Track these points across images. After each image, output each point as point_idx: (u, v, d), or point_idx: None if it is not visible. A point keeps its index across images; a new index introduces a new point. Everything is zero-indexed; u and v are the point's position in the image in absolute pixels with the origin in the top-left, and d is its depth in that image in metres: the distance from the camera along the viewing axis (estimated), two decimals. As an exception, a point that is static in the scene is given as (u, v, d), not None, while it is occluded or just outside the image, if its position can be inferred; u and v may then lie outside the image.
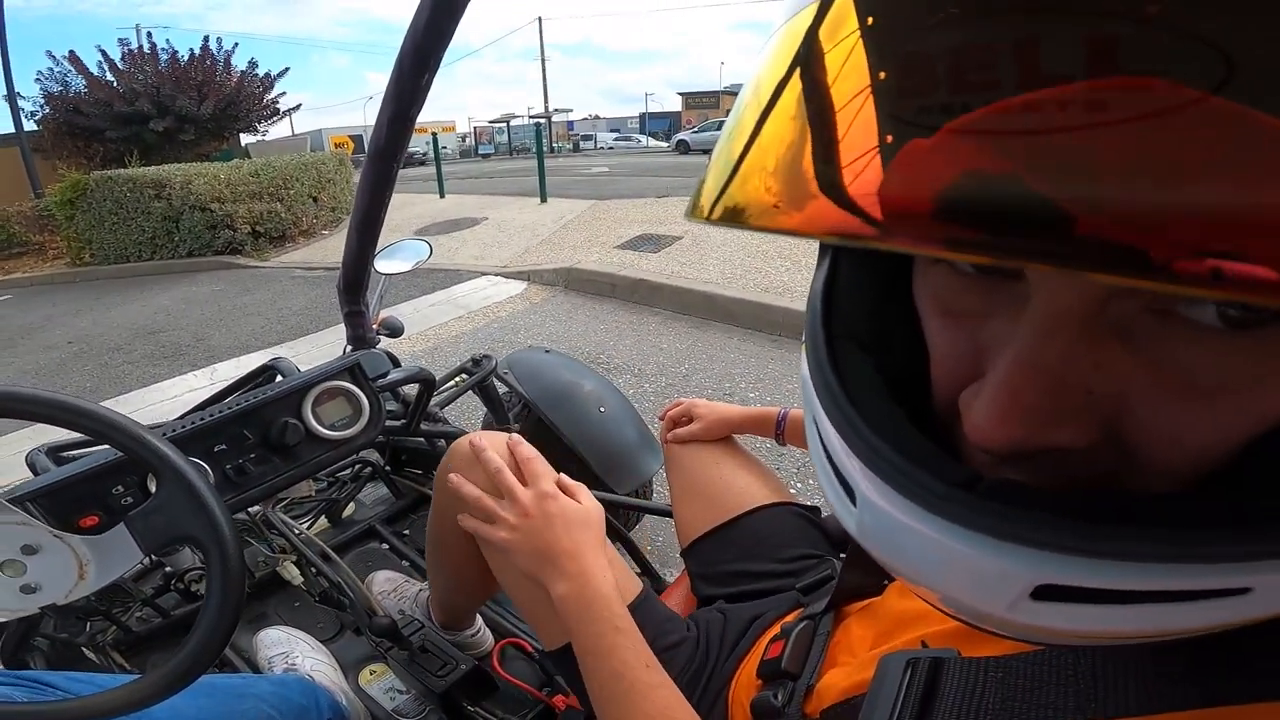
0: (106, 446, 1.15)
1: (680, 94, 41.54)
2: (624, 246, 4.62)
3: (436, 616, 1.00)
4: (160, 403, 3.08)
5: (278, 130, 16.36)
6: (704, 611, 0.74)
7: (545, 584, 0.61)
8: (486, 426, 1.60)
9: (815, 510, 0.84)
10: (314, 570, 1.14)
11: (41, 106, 11.20)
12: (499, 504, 0.66)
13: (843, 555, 0.77)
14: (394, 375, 1.04)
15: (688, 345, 3.08)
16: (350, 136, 28.93)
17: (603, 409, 1.47)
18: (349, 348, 1.17)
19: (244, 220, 6.47)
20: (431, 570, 0.97)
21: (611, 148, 29.60)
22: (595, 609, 0.58)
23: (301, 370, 1.17)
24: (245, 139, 13.84)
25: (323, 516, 1.43)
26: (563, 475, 0.69)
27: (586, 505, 0.66)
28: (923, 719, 0.34)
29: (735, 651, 0.66)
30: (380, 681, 1.02)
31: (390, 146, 0.78)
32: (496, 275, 4.53)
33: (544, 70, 33.48)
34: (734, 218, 0.19)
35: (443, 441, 1.37)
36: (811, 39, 0.18)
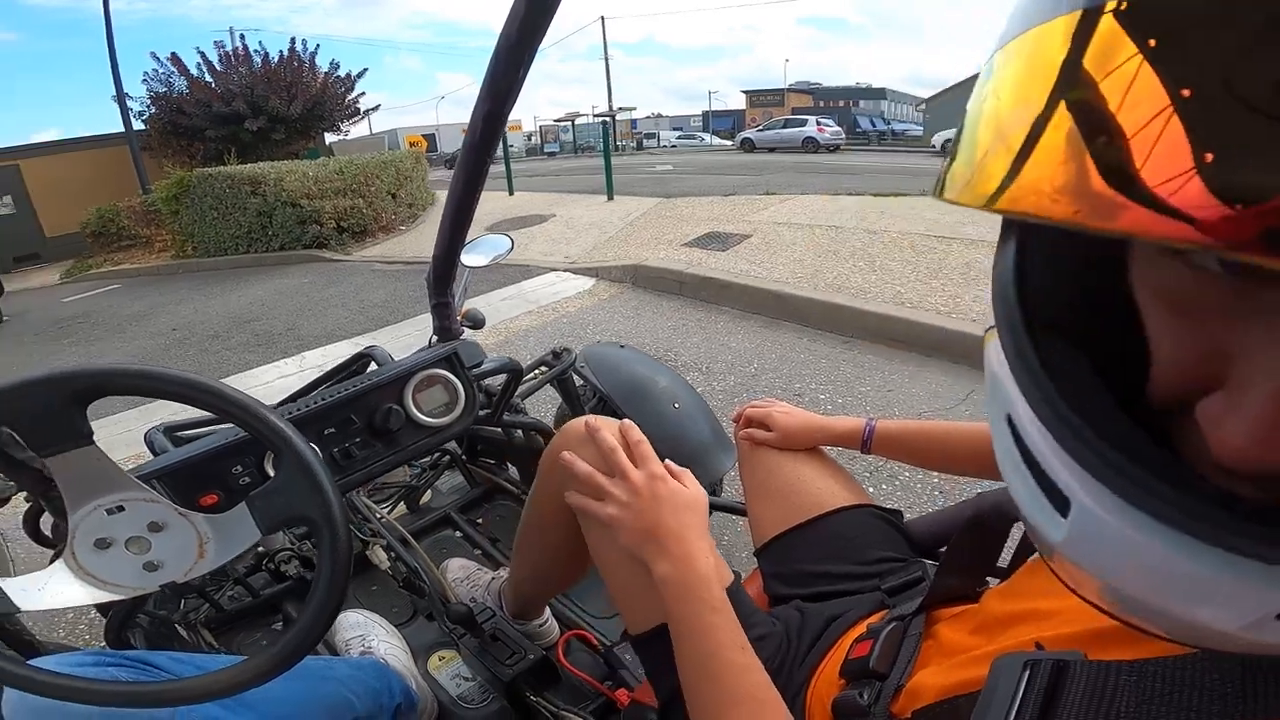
0: (219, 428, 1.22)
1: (744, 91, 41.12)
2: (691, 244, 4.62)
3: (508, 605, 1.02)
4: (255, 388, 3.29)
5: (357, 130, 17.08)
6: (781, 609, 0.74)
7: (648, 562, 0.63)
8: (560, 418, 1.64)
9: (897, 514, 0.83)
10: (393, 555, 1.19)
11: (148, 107, 12.00)
12: (610, 482, 0.67)
13: (928, 560, 0.76)
14: (486, 365, 1.07)
15: (756, 344, 3.05)
16: (423, 136, 30.03)
17: (677, 405, 1.48)
18: (434, 338, 1.20)
19: (330, 215, 6.83)
20: (519, 553, 0.98)
21: (674, 146, 29.57)
22: (696, 589, 0.60)
23: (394, 359, 1.23)
24: (329, 138, 14.50)
25: (401, 503, 1.48)
26: (669, 461, 0.70)
27: (693, 491, 0.67)
28: None
29: (814, 650, 0.66)
30: (448, 668, 1.04)
31: (484, 142, 0.79)
32: (565, 271, 4.61)
33: (607, 69, 33.76)
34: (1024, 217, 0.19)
35: (520, 433, 1.41)
36: (1079, 50, 0.18)
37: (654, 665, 0.67)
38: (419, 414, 0.94)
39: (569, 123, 32.84)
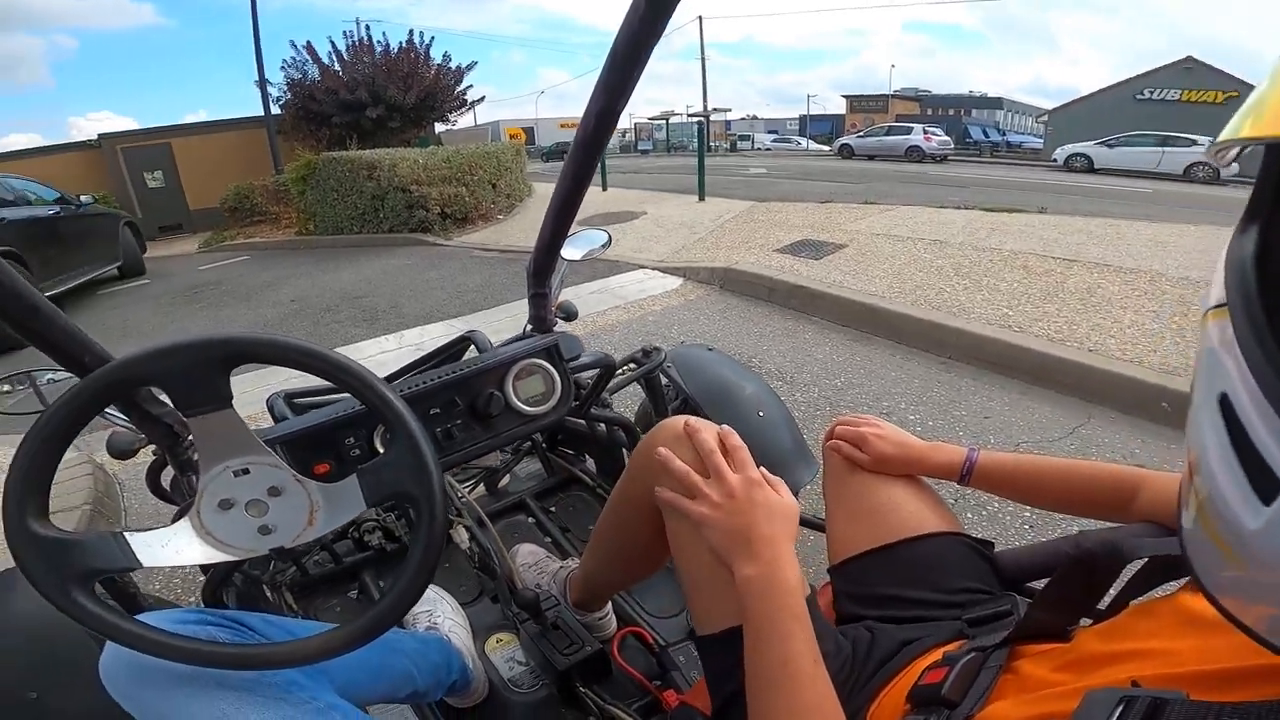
0: (334, 398, 1.29)
1: (845, 96, 39.84)
2: (783, 251, 4.54)
3: (572, 594, 1.03)
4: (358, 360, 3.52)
5: (463, 120, 17.76)
6: (851, 628, 0.73)
7: (733, 563, 0.63)
8: (642, 415, 1.65)
9: (988, 545, 0.80)
10: (469, 535, 1.22)
11: (285, 92, 12.83)
12: (705, 482, 0.68)
13: (1018, 594, 0.74)
14: (584, 359, 1.09)
15: (845, 357, 2.97)
16: (522, 129, 31.04)
17: (761, 414, 1.45)
18: (529, 327, 1.23)
19: (435, 202, 7.20)
20: (595, 543, 0.99)
21: (769, 149, 29.11)
22: (780, 595, 0.60)
23: (493, 344, 1.27)
24: (438, 127, 15.10)
25: (481, 484, 1.52)
26: (764, 469, 0.70)
27: (787, 500, 0.67)
28: None
29: (881, 672, 0.65)
30: (504, 650, 1.06)
31: (596, 138, 0.78)
32: (653, 269, 4.65)
33: (704, 69, 33.52)
34: None
35: (602, 426, 1.43)
36: None
37: (717, 668, 0.67)
38: (517, 401, 0.97)
39: (663, 121, 32.99)
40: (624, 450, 1.41)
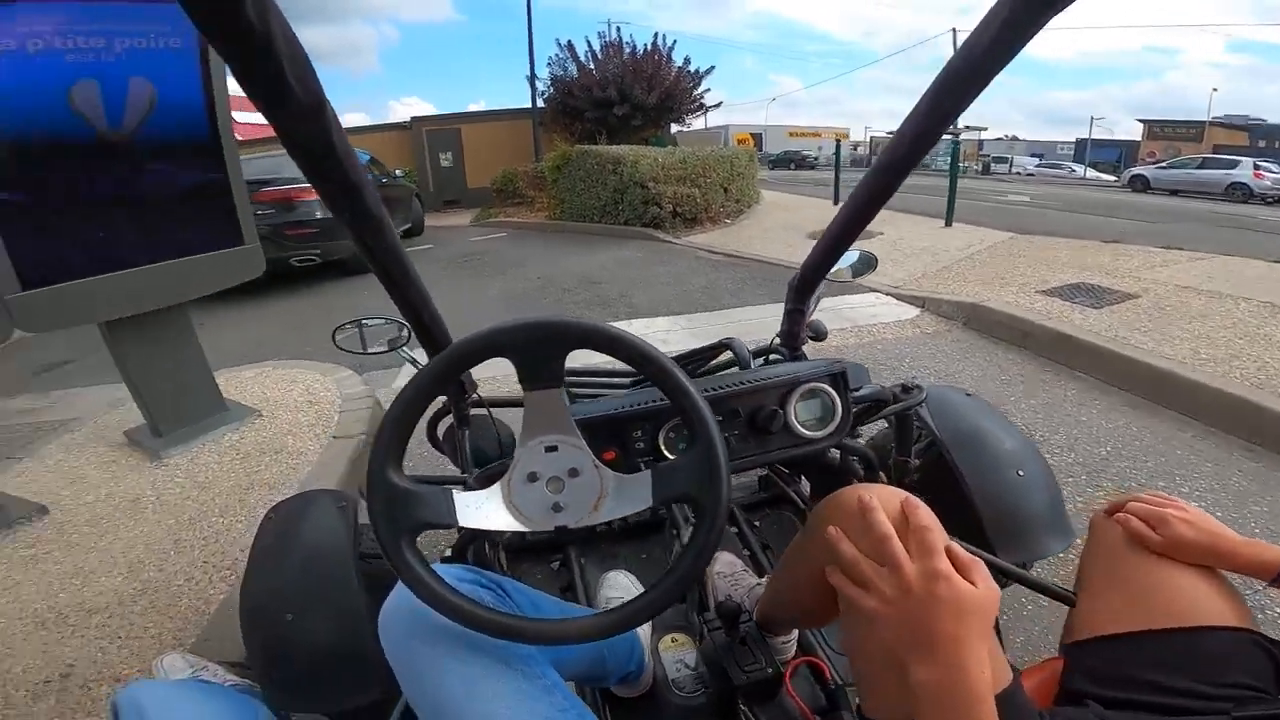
0: (612, 381, 1.38)
1: (1141, 121, 33.41)
2: (1050, 293, 3.97)
3: (758, 614, 1.00)
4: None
5: (697, 124, 18.23)
6: (1076, 712, 0.67)
7: (908, 663, 0.57)
8: (880, 445, 1.56)
9: (1277, 645, 0.69)
10: (675, 532, 1.22)
11: (549, 87, 14.24)
12: (877, 572, 0.61)
13: None
14: (865, 391, 1.05)
15: (1116, 425, 2.51)
16: (751, 134, 31.09)
17: (1020, 473, 1.29)
18: (776, 340, 1.22)
19: (669, 200, 7.55)
20: (775, 581, 0.95)
21: (1031, 174, 25.65)
22: (962, 708, 0.53)
23: (749, 351, 1.27)
24: (673, 128, 15.70)
25: None
26: (957, 545, 0.62)
27: (982, 590, 0.58)
28: None
29: None
30: (677, 651, 1.04)
31: (906, 162, 0.73)
32: (887, 295, 4.38)
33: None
34: None
35: (836, 452, 1.37)
36: None
37: None
38: (795, 422, 0.95)
39: (907, 136, 30.62)
40: (854, 479, 1.36)
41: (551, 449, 0.60)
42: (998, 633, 1.15)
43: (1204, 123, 31.14)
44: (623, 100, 13.18)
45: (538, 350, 0.57)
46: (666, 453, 0.88)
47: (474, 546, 1.00)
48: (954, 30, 31.68)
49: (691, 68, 14.19)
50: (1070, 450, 2.33)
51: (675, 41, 14.08)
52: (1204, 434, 2.42)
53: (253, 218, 2.52)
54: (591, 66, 13.83)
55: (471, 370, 0.72)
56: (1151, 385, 2.76)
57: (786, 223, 7.99)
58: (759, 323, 3.95)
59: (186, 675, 1.20)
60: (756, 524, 1.46)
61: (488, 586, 0.66)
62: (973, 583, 0.60)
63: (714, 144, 11.75)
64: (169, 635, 1.53)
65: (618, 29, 14.32)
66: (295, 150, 0.52)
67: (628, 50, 13.84)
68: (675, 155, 8.14)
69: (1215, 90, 47.81)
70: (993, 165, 28.53)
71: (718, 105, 16.01)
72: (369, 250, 0.67)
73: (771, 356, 1.28)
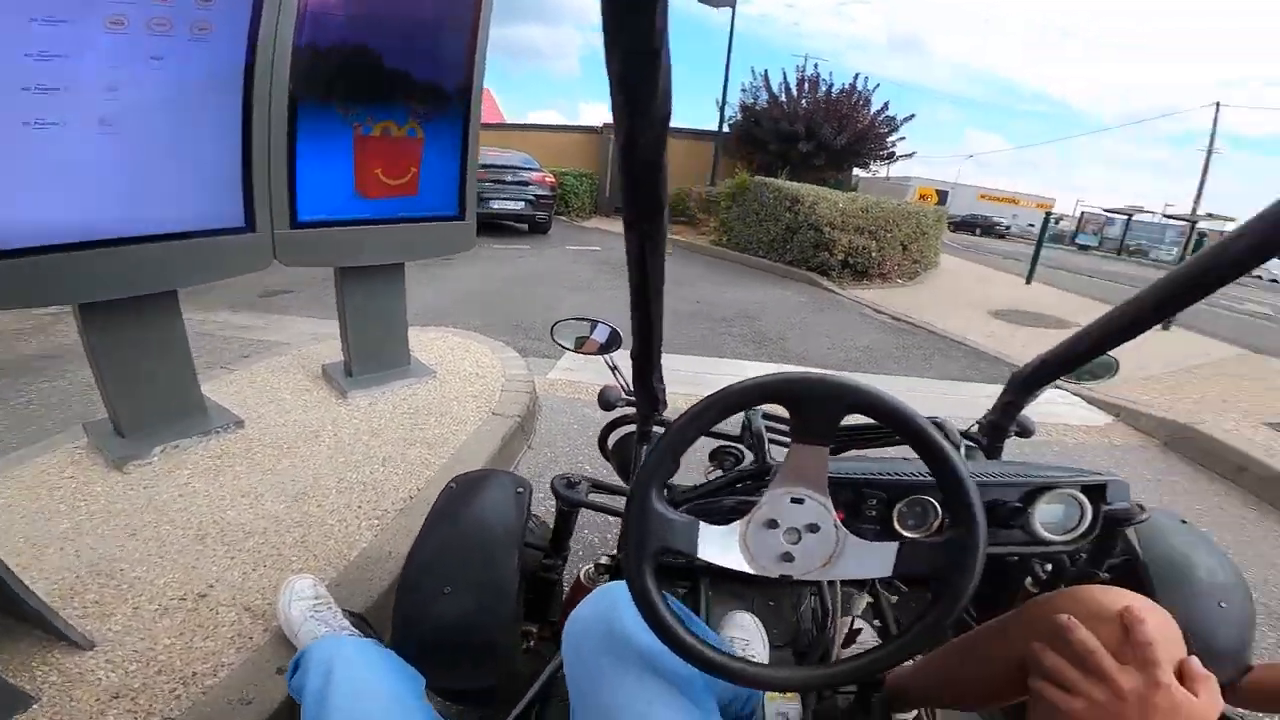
0: (888, 461, 1.36)
1: None
2: (1278, 426, 3.36)
3: (888, 688, 0.95)
4: (729, 375, 3.83)
5: (880, 170, 17.51)
6: None
7: None
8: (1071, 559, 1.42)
9: None
10: (813, 589, 1.18)
11: (737, 113, 14.34)
12: (1086, 680, 0.60)
13: None
14: (1117, 505, 0.97)
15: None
16: (935, 190, 29.22)
17: (1223, 605, 1.17)
18: (975, 426, 1.17)
19: (841, 249, 7.33)
20: (934, 659, 0.89)
21: (1277, 280, 21.63)
22: None
23: (959, 434, 1.18)
24: (856, 172, 15.29)
25: None
26: (1192, 660, 0.60)
27: (1204, 703, 0.57)
28: None
29: None
30: (781, 704, 1.00)
31: (1228, 269, 0.65)
32: (1075, 394, 3.94)
33: (1207, 163, 26.31)
34: None
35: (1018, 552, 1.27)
36: None
37: None
38: (1035, 522, 0.90)
39: (1124, 216, 27.25)
40: (1021, 585, 1.26)
41: (798, 501, 0.61)
42: None
43: None
44: (809, 137, 13.04)
45: (816, 407, 0.58)
46: (898, 527, 0.86)
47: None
48: (1217, 104, 27.69)
49: (888, 114, 13.77)
50: (1263, 589, 2.07)
51: (879, 85, 13.79)
52: None
53: (475, 198, 2.73)
54: (783, 99, 13.81)
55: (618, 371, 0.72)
56: None
57: (967, 294, 7.46)
58: (922, 398, 3.73)
59: (310, 602, 1.32)
60: (894, 599, 1.41)
61: (680, 614, 0.68)
62: (1197, 695, 0.59)
63: (897, 195, 11.26)
64: (310, 572, 1.57)
65: (815, 65, 14.25)
66: (631, 157, 0.51)
67: (823, 88, 13.69)
68: (858, 203, 7.88)
69: None
70: (1227, 263, 24.38)
71: (911, 155, 15.31)
72: (641, 263, 0.66)
73: (966, 444, 1.22)
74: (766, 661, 1.09)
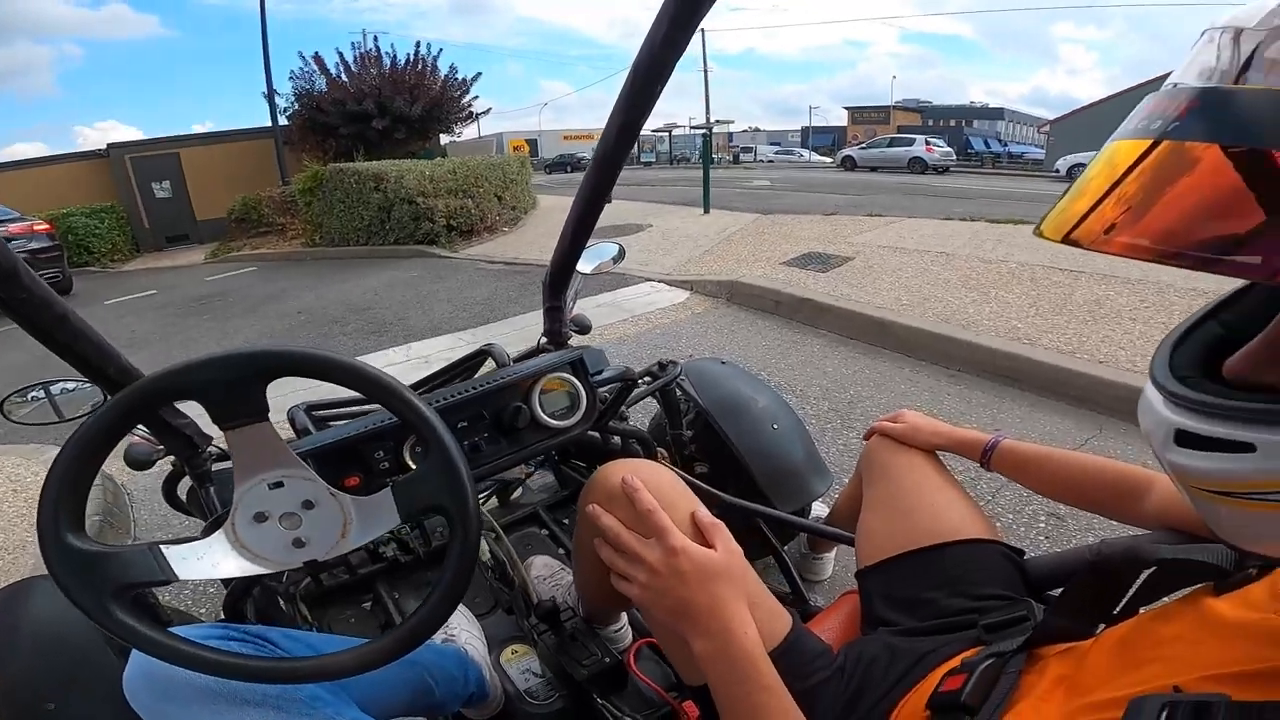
0: (357, 410, 1.28)
1: (847, 108, 40.08)
2: (790, 264, 4.55)
3: (585, 608, 1.01)
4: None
5: (468, 132, 17.81)
6: (867, 643, 0.72)
7: (685, 638, 0.60)
8: (655, 428, 1.65)
9: (1019, 552, 0.81)
10: (487, 547, 1.20)
11: (293, 103, 12.85)
12: (628, 564, 0.64)
13: (1038, 601, 0.74)
14: (606, 373, 1.10)
15: (854, 370, 2.96)
16: (526, 140, 31.20)
17: (775, 426, 1.46)
18: (543, 339, 1.24)
19: (441, 214, 7.23)
20: (576, 572, 0.99)
21: (771, 161, 29.23)
22: (739, 668, 0.57)
23: (510, 356, 1.26)
24: (442, 139, 15.09)
25: (494, 497, 1.51)
26: (699, 512, 0.67)
27: (722, 556, 0.62)
28: None
29: (902, 683, 0.63)
30: (520, 661, 1.05)
31: (616, 153, 0.79)
32: (660, 282, 4.66)
33: (706, 81, 33.66)
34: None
35: (617, 439, 1.44)
36: None
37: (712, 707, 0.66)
38: (543, 414, 0.97)
39: (666, 133, 33.16)
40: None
41: (277, 485, 0.57)
42: (788, 575, 1.29)
43: (889, 107, 38.12)
44: (383, 113, 12.35)
45: (228, 387, 0.54)
46: (414, 467, 0.84)
47: (256, 602, 0.96)
48: (702, 31, 34.87)
49: (458, 76, 13.74)
50: (824, 399, 2.68)
51: (441, 50, 13.51)
52: (918, 368, 2.95)
53: None
54: (344, 79, 12.76)
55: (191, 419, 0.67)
56: (874, 333, 3.29)
57: (557, 219, 8.06)
58: (536, 330, 3.96)
59: None
60: (565, 522, 1.46)
61: (242, 639, 0.62)
62: (712, 547, 0.63)
63: (488, 153, 11.52)
64: None
65: (374, 38, 13.48)
66: None
67: (387, 61, 13.00)
68: (444, 166, 7.84)
69: (895, 77, 58.75)
70: (741, 155, 32.01)
71: (486, 112, 15.71)
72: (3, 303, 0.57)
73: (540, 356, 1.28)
74: (479, 634, 1.07)
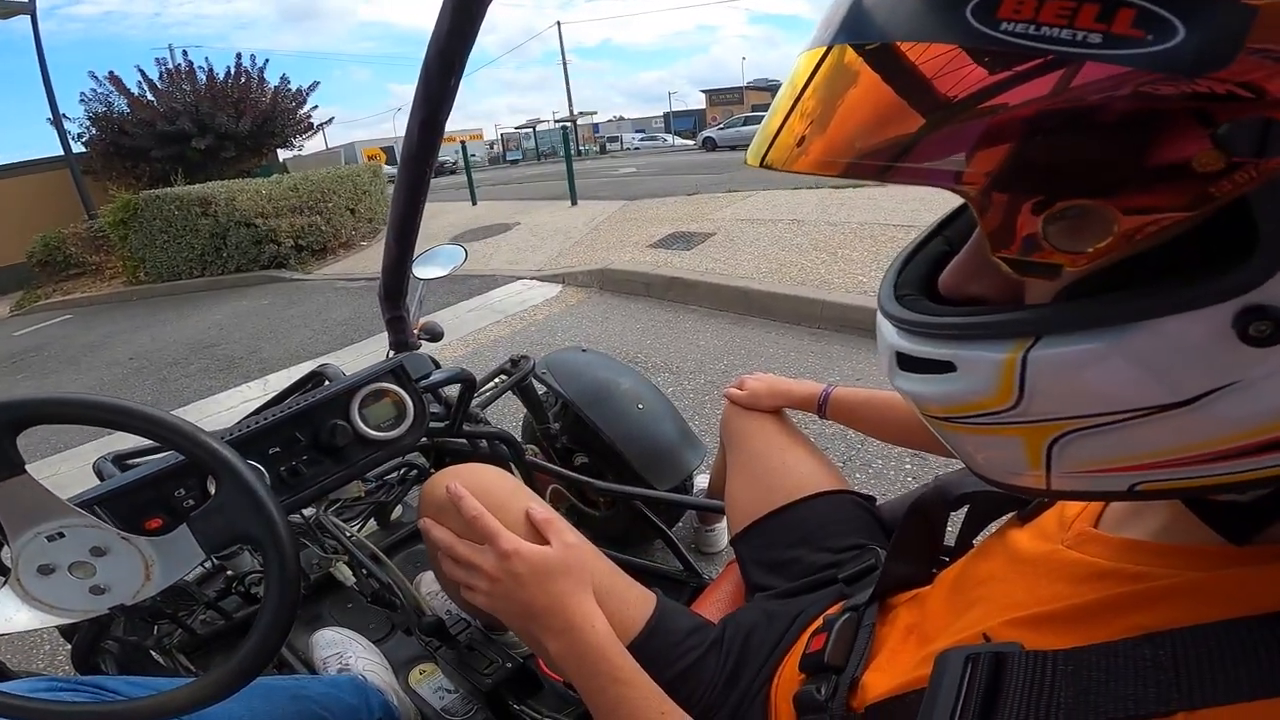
0: (168, 453, 1.18)
1: (703, 91, 41.43)
2: (656, 245, 4.64)
3: (480, 615, 1.00)
4: (218, 413, 3.20)
5: (312, 145, 16.67)
6: (745, 612, 0.72)
7: (539, 640, 0.59)
8: (526, 426, 1.63)
9: (871, 500, 0.83)
10: (365, 571, 1.16)
11: (88, 128, 11.48)
12: (466, 574, 0.63)
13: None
14: (435, 376, 1.05)
15: (725, 341, 3.07)
16: (381, 148, 29.49)
17: (640, 406, 1.48)
18: (391, 353, 1.19)
19: (287, 234, 6.67)
20: (443, 586, 0.96)
21: (638, 148, 29.59)
22: (591, 663, 0.56)
23: (346, 376, 1.20)
24: (282, 154, 14.09)
25: (372, 519, 1.46)
26: (533, 508, 0.66)
27: (557, 551, 0.61)
28: (988, 718, 0.33)
29: (779, 648, 0.63)
30: (430, 681, 1.03)
31: (422, 150, 0.78)
32: (532, 279, 4.59)
33: (566, 74, 33.66)
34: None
35: (484, 442, 1.41)
36: None
37: None
38: (366, 429, 0.93)
39: (530, 129, 32.65)
40: (510, 465, 1.39)
41: (57, 536, 0.55)
42: (676, 552, 1.29)
43: (742, 88, 39.83)
44: (204, 131, 11.21)
45: None
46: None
47: (114, 657, 0.94)
48: (559, 24, 34.51)
49: (292, 86, 12.79)
50: (699, 373, 2.76)
51: (267, 61, 12.56)
52: (783, 331, 3.11)
53: None
54: (150, 98, 11.47)
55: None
56: (739, 302, 3.43)
57: (427, 231, 7.69)
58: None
59: None
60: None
61: (73, 689, 0.61)
62: (547, 542, 0.62)
63: (337, 164, 10.76)
64: None
65: (184, 53, 12.15)
66: None
67: (202, 76, 11.80)
68: (284, 183, 7.21)
69: (745, 59, 61.40)
70: (608, 145, 32.16)
71: (329, 122, 14.71)
72: None
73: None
74: (379, 659, 1.06)
